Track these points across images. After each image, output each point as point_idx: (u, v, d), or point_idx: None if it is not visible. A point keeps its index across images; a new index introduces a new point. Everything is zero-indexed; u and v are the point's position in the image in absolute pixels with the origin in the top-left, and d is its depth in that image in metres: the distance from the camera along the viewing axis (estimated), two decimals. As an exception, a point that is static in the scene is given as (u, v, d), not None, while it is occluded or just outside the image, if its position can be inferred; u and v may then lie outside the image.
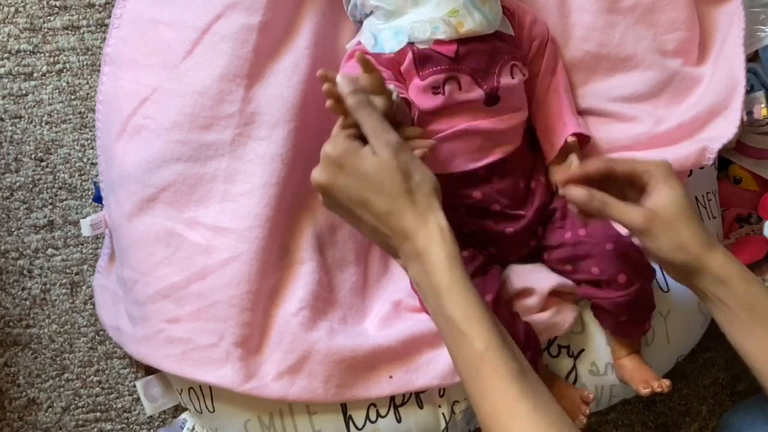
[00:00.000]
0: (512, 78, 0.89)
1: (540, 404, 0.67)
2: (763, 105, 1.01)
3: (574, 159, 0.94)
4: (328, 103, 0.73)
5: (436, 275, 0.70)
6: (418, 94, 0.87)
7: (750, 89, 1.02)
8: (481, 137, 0.89)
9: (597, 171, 0.81)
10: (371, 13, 0.90)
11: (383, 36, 0.87)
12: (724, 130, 0.95)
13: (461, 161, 0.89)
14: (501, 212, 0.92)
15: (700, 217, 0.80)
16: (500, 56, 0.89)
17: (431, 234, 0.70)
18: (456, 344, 0.70)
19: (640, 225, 0.77)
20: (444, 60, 0.86)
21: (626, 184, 0.81)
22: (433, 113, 0.87)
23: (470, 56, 0.87)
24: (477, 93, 0.87)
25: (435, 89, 0.87)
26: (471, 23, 0.86)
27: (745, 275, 0.78)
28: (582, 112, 0.99)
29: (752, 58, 1.06)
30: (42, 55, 1.09)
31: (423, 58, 0.87)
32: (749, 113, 1.01)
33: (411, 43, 0.87)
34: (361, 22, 0.93)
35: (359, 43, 0.90)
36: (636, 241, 0.86)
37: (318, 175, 0.73)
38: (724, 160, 1.13)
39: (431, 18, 0.85)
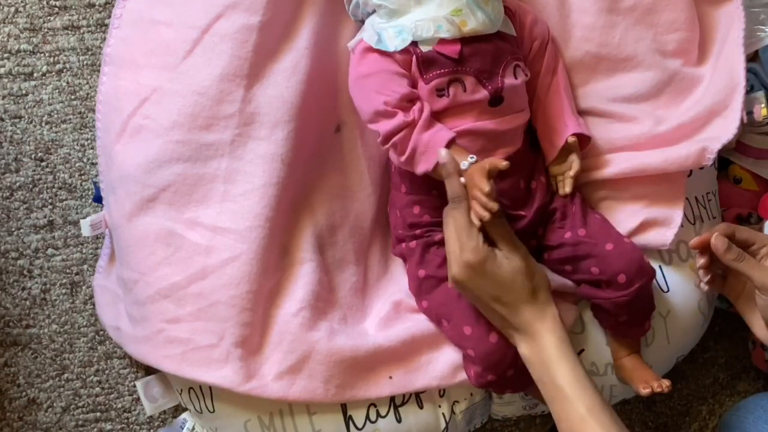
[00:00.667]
0: (515, 78, 0.89)
1: None
2: (763, 105, 1.01)
3: (574, 159, 0.94)
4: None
5: (548, 351, 0.83)
6: (425, 97, 0.87)
7: (750, 89, 1.02)
8: (484, 138, 0.89)
9: (721, 232, 0.87)
10: (373, 11, 0.90)
11: (386, 34, 0.87)
12: (723, 130, 0.95)
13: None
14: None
15: None
16: (504, 56, 0.89)
17: (547, 321, 0.85)
18: (562, 408, 0.82)
19: (757, 277, 0.83)
20: (448, 62, 0.86)
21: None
22: (438, 114, 0.87)
23: (474, 57, 0.87)
24: (482, 94, 0.87)
25: (439, 92, 0.87)
26: (474, 22, 0.86)
27: None
28: (582, 112, 0.99)
29: (752, 58, 1.06)
30: (42, 55, 1.09)
31: (427, 62, 0.86)
32: (749, 113, 1.01)
33: (415, 45, 0.87)
34: (362, 21, 0.93)
35: (362, 40, 0.89)
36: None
37: (458, 275, 0.84)
38: (724, 160, 1.13)
39: (434, 17, 0.85)
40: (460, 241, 0.83)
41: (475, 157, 0.84)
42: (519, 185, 0.92)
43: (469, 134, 0.88)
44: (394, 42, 0.86)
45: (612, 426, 0.79)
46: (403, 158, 0.87)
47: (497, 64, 0.88)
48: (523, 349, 0.85)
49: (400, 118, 0.85)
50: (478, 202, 0.81)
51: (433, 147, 0.85)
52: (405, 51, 0.87)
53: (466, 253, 0.83)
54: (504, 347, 0.88)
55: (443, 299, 0.91)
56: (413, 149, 0.86)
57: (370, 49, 0.88)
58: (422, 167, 0.86)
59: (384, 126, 0.86)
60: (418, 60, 0.86)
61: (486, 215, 0.80)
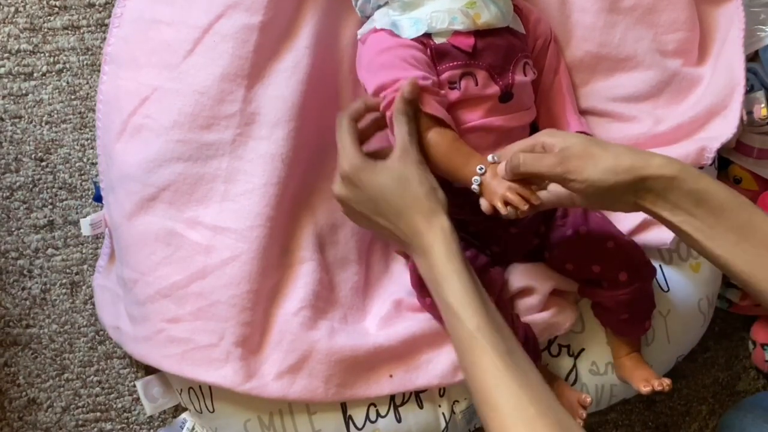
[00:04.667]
0: (525, 75, 0.90)
1: (525, 382, 0.72)
2: (763, 105, 1.02)
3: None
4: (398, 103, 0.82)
5: (438, 268, 0.78)
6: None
7: (750, 89, 1.02)
8: (494, 134, 0.89)
9: (512, 167, 0.78)
10: (385, 4, 0.89)
11: (402, 23, 0.86)
12: (723, 130, 0.96)
13: None
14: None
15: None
16: (515, 53, 0.89)
17: (436, 235, 0.79)
18: (452, 327, 0.78)
19: (557, 164, 0.74)
20: (461, 55, 0.86)
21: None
22: (449, 108, 0.87)
23: (487, 52, 0.87)
24: (493, 89, 0.87)
25: (452, 84, 0.86)
26: (488, 15, 0.86)
27: (697, 173, 0.74)
28: (582, 112, 0.99)
29: (752, 58, 1.06)
30: (42, 55, 1.09)
31: (440, 54, 0.86)
32: (749, 113, 1.02)
33: (428, 36, 0.87)
34: (369, 17, 0.92)
35: (374, 29, 0.89)
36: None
37: (337, 189, 0.84)
38: (724, 160, 1.13)
39: (449, 8, 0.85)
40: (340, 152, 0.83)
41: (496, 156, 0.81)
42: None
43: (479, 130, 0.88)
44: (409, 31, 0.86)
45: (500, 344, 0.74)
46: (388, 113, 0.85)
47: (508, 61, 0.88)
48: (420, 266, 0.81)
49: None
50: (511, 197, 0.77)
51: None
52: (419, 41, 0.86)
53: (342, 163, 0.82)
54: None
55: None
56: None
57: (383, 32, 0.88)
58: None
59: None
60: (431, 52, 0.86)
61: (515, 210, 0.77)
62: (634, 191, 0.74)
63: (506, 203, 0.77)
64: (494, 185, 0.78)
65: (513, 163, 0.77)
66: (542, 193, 0.81)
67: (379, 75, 0.86)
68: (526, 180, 0.77)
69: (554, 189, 0.81)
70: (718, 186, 0.74)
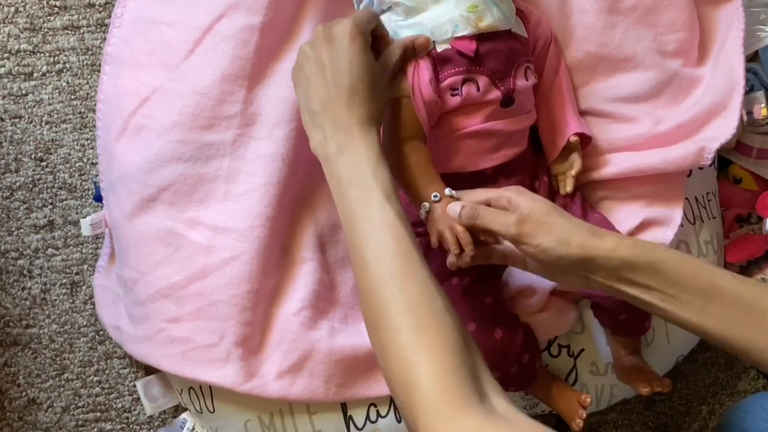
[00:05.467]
0: (526, 80, 0.89)
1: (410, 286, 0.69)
2: (763, 105, 1.02)
3: (575, 159, 0.94)
4: None
5: (366, 173, 0.75)
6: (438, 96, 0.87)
7: (750, 89, 1.02)
8: (494, 138, 0.88)
9: (467, 217, 0.78)
10: (389, 9, 0.89)
11: (404, 34, 0.86)
12: (722, 130, 0.96)
13: (472, 160, 0.89)
14: (506, 212, 0.92)
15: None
16: (516, 58, 0.88)
17: (370, 143, 0.76)
18: (364, 209, 0.74)
19: (515, 226, 0.74)
20: (463, 61, 0.85)
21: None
22: (450, 113, 0.87)
23: (489, 57, 0.86)
24: (494, 94, 0.87)
25: (453, 90, 0.86)
26: (491, 18, 0.85)
27: (651, 247, 0.74)
28: (582, 113, 0.99)
29: (752, 58, 1.06)
30: (42, 55, 1.09)
31: (442, 60, 0.86)
32: (749, 113, 1.02)
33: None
34: None
35: None
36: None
37: (314, 37, 0.80)
38: (724, 160, 1.13)
39: (451, 17, 0.84)
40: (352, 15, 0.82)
41: (455, 192, 0.80)
42: (524, 185, 0.92)
43: (479, 135, 0.88)
44: None
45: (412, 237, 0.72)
46: None
47: (510, 66, 0.88)
48: (338, 165, 0.77)
49: None
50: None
51: None
52: None
53: (347, 20, 0.80)
54: (508, 344, 0.88)
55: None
56: None
57: None
58: None
59: None
60: (433, 59, 0.86)
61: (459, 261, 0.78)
62: (584, 267, 0.74)
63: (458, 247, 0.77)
64: (439, 219, 0.78)
65: (470, 213, 0.77)
66: (497, 246, 0.82)
67: None
68: (483, 230, 0.77)
69: (509, 245, 0.80)
70: (673, 255, 0.74)
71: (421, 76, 0.83)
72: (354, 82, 0.77)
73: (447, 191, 0.80)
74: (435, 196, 0.79)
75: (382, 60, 0.82)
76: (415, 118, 0.83)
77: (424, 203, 0.80)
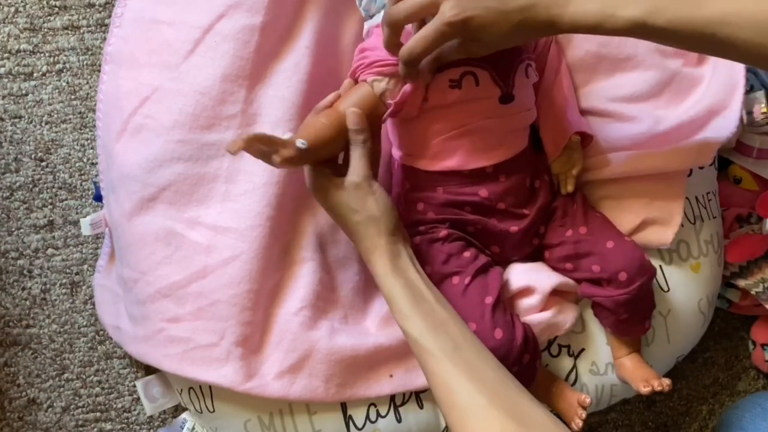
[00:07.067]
0: (527, 77, 0.89)
1: (473, 374, 0.74)
2: (763, 105, 1.02)
3: (577, 158, 0.94)
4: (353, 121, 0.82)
5: (381, 287, 0.82)
6: (436, 88, 0.87)
7: (750, 89, 1.02)
8: (493, 135, 0.89)
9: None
10: (384, 7, 0.89)
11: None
12: (722, 130, 0.96)
13: (472, 158, 0.89)
14: (506, 211, 0.92)
15: None
16: (518, 55, 0.88)
17: (377, 253, 0.83)
18: (407, 339, 0.80)
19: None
20: None
21: None
22: (449, 108, 0.87)
23: None
24: (494, 90, 0.87)
25: (452, 83, 0.86)
26: None
27: None
28: (582, 112, 0.99)
29: (752, 58, 1.06)
30: (42, 55, 1.09)
31: None
32: (749, 113, 1.02)
33: None
34: (372, 17, 0.92)
35: (378, 26, 0.89)
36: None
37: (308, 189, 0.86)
38: (724, 160, 1.13)
39: None
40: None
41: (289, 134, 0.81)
42: (524, 184, 0.93)
43: (478, 131, 0.88)
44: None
45: (445, 343, 0.77)
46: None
47: (511, 62, 0.88)
48: (377, 267, 0.84)
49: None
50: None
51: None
52: None
53: (306, 180, 0.85)
54: (509, 344, 0.88)
55: (447, 296, 0.91)
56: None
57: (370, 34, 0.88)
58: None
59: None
60: None
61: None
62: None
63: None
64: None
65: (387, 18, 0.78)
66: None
67: (360, 54, 0.87)
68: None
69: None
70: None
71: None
72: (345, 218, 0.84)
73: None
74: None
75: (351, 161, 0.83)
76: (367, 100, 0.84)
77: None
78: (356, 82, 0.87)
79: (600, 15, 0.72)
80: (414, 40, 0.77)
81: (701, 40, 0.71)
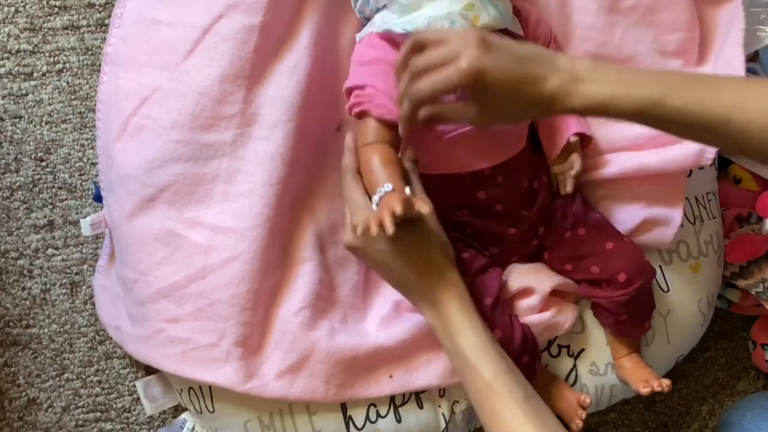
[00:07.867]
0: None
1: (543, 426, 0.74)
2: (763, 105, 1.01)
3: (575, 159, 0.94)
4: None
5: (451, 320, 0.81)
6: None
7: (750, 89, 1.02)
8: (491, 138, 0.88)
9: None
10: (383, 7, 0.89)
11: (398, 31, 0.86)
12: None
13: (470, 161, 0.89)
14: (504, 212, 0.92)
15: None
16: None
17: (449, 288, 0.82)
18: (468, 376, 0.79)
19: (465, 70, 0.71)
20: None
21: None
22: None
23: None
24: None
25: None
26: (486, 17, 0.85)
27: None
28: (582, 112, 0.99)
29: (752, 58, 1.06)
30: (42, 55, 1.09)
31: None
32: (749, 113, 1.01)
33: None
34: (367, 19, 0.92)
35: (371, 33, 0.89)
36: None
37: (349, 240, 0.84)
38: (724, 160, 1.13)
39: (448, 12, 0.84)
40: (350, 206, 0.84)
41: (391, 185, 0.79)
42: (523, 185, 0.92)
43: (475, 135, 0.88)
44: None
45: (517, 391, 0.77)
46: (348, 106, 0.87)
47: None
48: (428, 317, 0.83)
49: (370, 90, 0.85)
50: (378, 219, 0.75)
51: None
52: None
53: (354, 218, 0.83)
54: (508, 345, 0.88)
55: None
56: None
57: (378, 36, 0.88)
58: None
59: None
60: None
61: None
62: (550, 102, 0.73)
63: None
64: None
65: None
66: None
67: (354, 76, 0.87)
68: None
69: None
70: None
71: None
72: (402, 256, 0.82)
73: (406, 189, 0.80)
74: (387, 186, 0.79)
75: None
76: (377, 127, 0.84)
77: (379, 189, 0.79)
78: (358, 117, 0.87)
79: (612, 93, 0.72)
80: (424, 80, 0.75)
81: (714, 125, 0.70)
